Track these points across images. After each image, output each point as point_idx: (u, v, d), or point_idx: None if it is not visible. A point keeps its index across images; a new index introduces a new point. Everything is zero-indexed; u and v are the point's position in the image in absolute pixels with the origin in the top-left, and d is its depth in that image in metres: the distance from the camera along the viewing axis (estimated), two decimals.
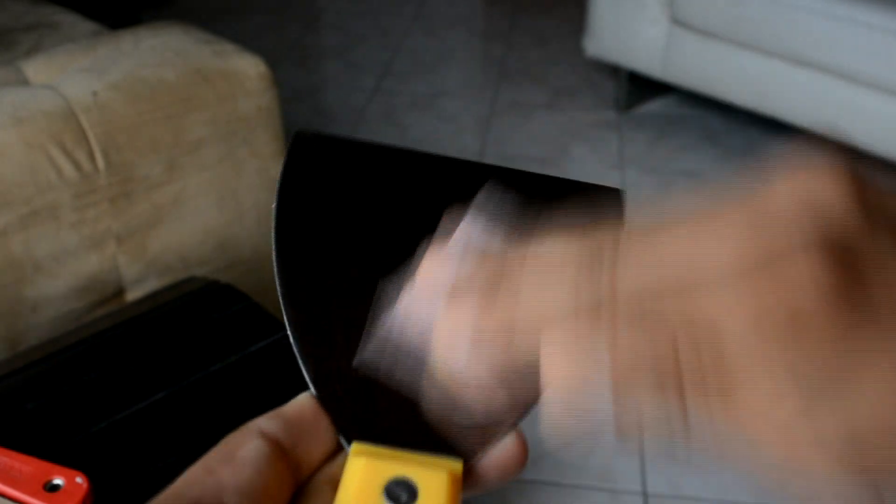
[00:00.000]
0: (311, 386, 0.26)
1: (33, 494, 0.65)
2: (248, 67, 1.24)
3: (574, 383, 0.22)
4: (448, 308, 0.24)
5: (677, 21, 2.13)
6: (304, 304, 0.27)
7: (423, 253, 0.25)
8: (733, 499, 1.42)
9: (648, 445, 0.22)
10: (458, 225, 0.25)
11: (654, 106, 2.44)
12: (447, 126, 2.36)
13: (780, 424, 0.20)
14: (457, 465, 0.25)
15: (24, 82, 1.23)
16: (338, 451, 0.26)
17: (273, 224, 0.28)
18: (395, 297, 0.26)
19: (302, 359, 0.26)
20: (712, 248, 0.21)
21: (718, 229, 0.21)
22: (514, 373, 0.23)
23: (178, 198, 1.20)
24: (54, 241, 1.10)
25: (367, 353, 0.26)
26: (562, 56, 2.70)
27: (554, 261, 0.22)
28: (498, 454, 0.25)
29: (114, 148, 1.12)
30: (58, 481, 0.66)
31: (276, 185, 0.29)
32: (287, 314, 0.27)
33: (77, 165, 1.09)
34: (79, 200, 1.11)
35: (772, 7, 1.97)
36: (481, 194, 0.27)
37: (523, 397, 0.24)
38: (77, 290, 1.15)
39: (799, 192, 0.21)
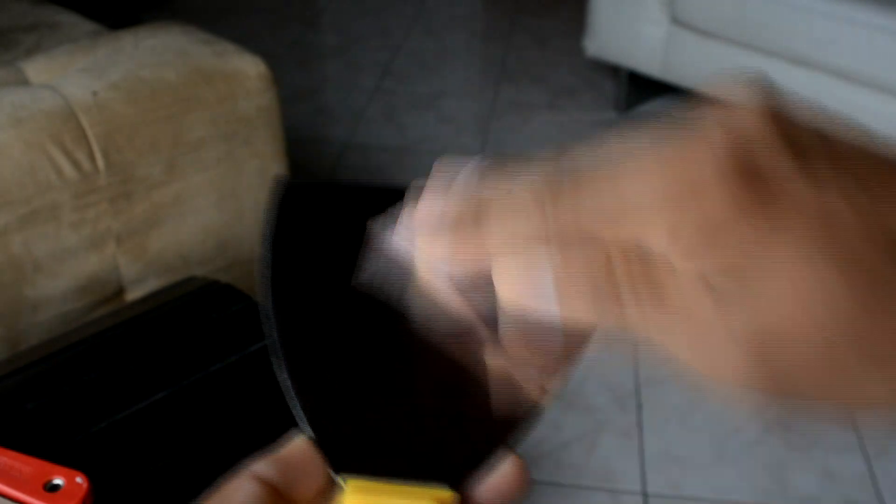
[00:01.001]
0: (304, 427, 0.27)
1: (33, 494, 0.65)
2: (248, 67, 1.24)
3: (524, 297, 0.24)
4: (427, 241, 0.26)
5: (677, 21, 2.13)
6: (298, 349, 0.28)
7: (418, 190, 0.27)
8: (733, 499, 1.42)
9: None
10: (451, 172, 0.27)
11: (654, 106, 2.44)
12: (447, 126, 2.36)
13: (697, 322, 0.22)
14: (447, 494, 0.25)
15: (24, 82, 1.23)
16: (333, 487, 0.26)
17: (264, 275, 0.29)
18: (389, 226, 0.28)
19: (298, 402, 0.27)
20: (642, 181, 0.23)
21: (648, 164, 0.23)
22: (484, 299, 0.25)
23: (178, 198, 1.20)
24: (54, 241, 1.10)
25: (365, 269, 0.27)
26: (562, 56, 2.69)
27: (518, 197, 0.25)
28: (495, 480, 0.26)
29: (114, 148, 1.12)
30: (58, 481, 0.66)
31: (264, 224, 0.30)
32: (283, 361, 0.28)
33: (77, 165, 1.09)
34: (79, 200, 1.11)
35: (772, 7, 1.97)
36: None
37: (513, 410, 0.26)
38: (77, 290, 1.15)
39: (723, 125, 0.23)
